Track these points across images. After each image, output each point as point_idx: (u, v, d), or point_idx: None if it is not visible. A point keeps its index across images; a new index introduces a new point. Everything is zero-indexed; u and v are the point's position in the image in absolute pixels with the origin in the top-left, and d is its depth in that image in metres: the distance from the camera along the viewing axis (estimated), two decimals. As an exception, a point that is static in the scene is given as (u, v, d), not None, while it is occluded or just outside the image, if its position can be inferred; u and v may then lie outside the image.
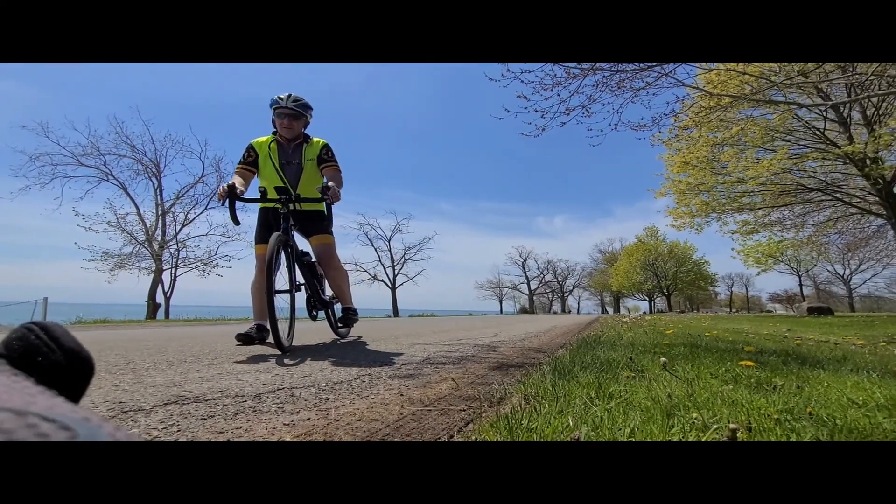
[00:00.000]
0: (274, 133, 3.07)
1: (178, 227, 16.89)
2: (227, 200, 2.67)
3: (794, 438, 0.82)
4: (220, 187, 2.67)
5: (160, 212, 16.59)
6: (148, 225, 16.28)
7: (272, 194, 2.86)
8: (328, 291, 3.44)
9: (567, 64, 5.87)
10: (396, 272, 32.07)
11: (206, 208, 17.02)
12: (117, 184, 15.98)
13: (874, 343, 3.46)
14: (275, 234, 2.51)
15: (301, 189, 3.02)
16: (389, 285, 31.71)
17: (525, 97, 6.28)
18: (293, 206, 2.81)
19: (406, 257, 32.39)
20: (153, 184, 16.76)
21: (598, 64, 5.88)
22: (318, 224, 3.14)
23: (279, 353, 2.42)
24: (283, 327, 2.54)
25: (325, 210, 2.94)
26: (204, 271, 16.88)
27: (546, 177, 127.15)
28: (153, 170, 16.64)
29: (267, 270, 2.39)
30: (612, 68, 6.03)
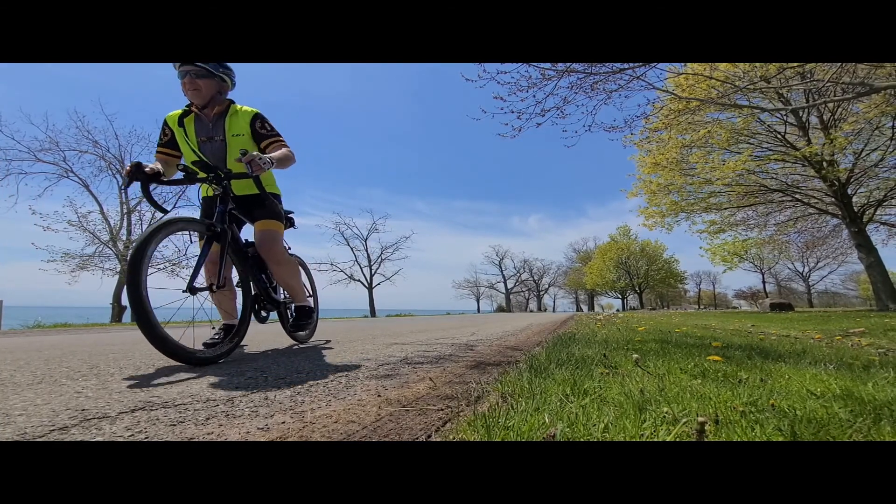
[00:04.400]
0: (189, 105, 2.42)
1: (144, 227, 16.27)
2: (140, 185, 2.14)
3: (758, 429, 0.85)
4: (125, 168, 2.13)
5: (125, 210, 15.94)
6: (112, 224, 15.62)
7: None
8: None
9: (542, 65, 5.96)
10: (373, 272, 31.86)
11: (174, 206, 16.46)
12: (78, 181, 15.29)
13: (830, 337, 3.65)
14: (158, 221, 1.94)
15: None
16: (366, 285, 31.47)
17: (502, 98, 6.35)
18: (226, 183, 2.29)
19: (383, 257, 32.23)
20: (118, 181, 16.09)
21: (572, 66, 5.98)
22: (263, 209, 2.61)
23: (211, 361, 2.03)
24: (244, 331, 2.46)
25: (260, 189, 2.34)
26: (173, 272, 16.31)
27: (521, 176, 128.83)
28: (117, 166, 15.97)
29: (130, 264, 1.76)
30: (586, 70, 6.15)
